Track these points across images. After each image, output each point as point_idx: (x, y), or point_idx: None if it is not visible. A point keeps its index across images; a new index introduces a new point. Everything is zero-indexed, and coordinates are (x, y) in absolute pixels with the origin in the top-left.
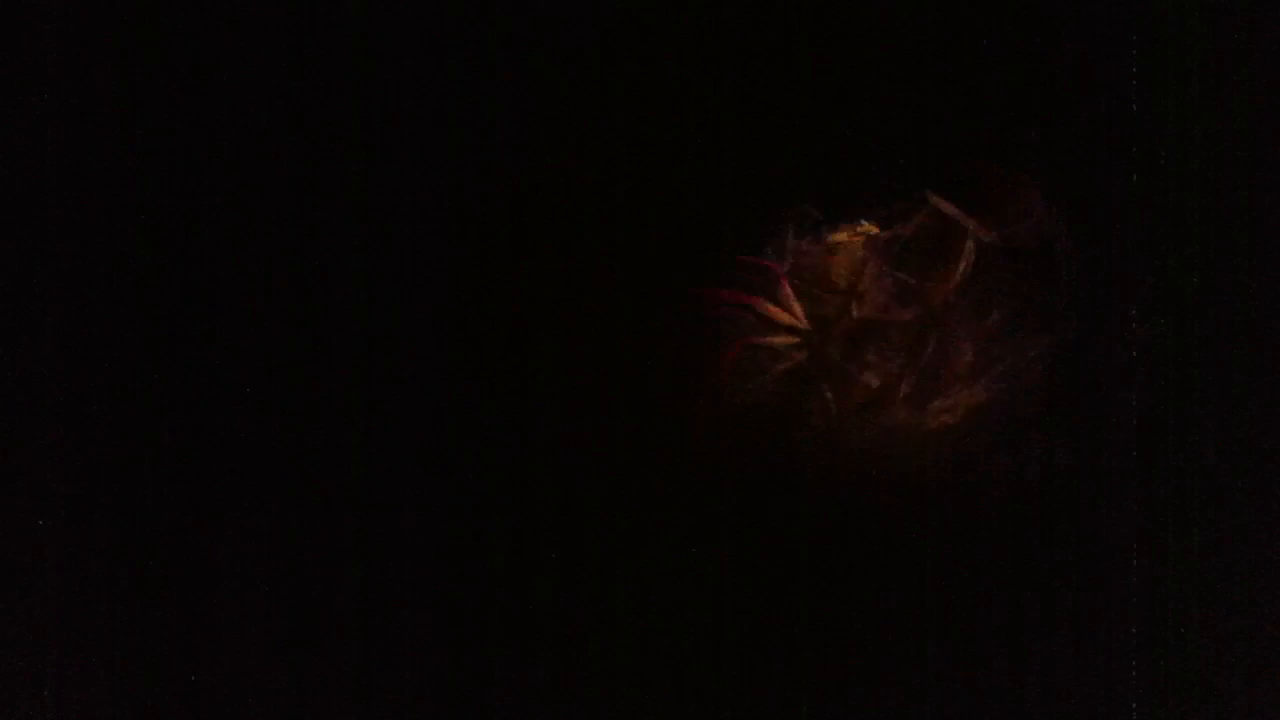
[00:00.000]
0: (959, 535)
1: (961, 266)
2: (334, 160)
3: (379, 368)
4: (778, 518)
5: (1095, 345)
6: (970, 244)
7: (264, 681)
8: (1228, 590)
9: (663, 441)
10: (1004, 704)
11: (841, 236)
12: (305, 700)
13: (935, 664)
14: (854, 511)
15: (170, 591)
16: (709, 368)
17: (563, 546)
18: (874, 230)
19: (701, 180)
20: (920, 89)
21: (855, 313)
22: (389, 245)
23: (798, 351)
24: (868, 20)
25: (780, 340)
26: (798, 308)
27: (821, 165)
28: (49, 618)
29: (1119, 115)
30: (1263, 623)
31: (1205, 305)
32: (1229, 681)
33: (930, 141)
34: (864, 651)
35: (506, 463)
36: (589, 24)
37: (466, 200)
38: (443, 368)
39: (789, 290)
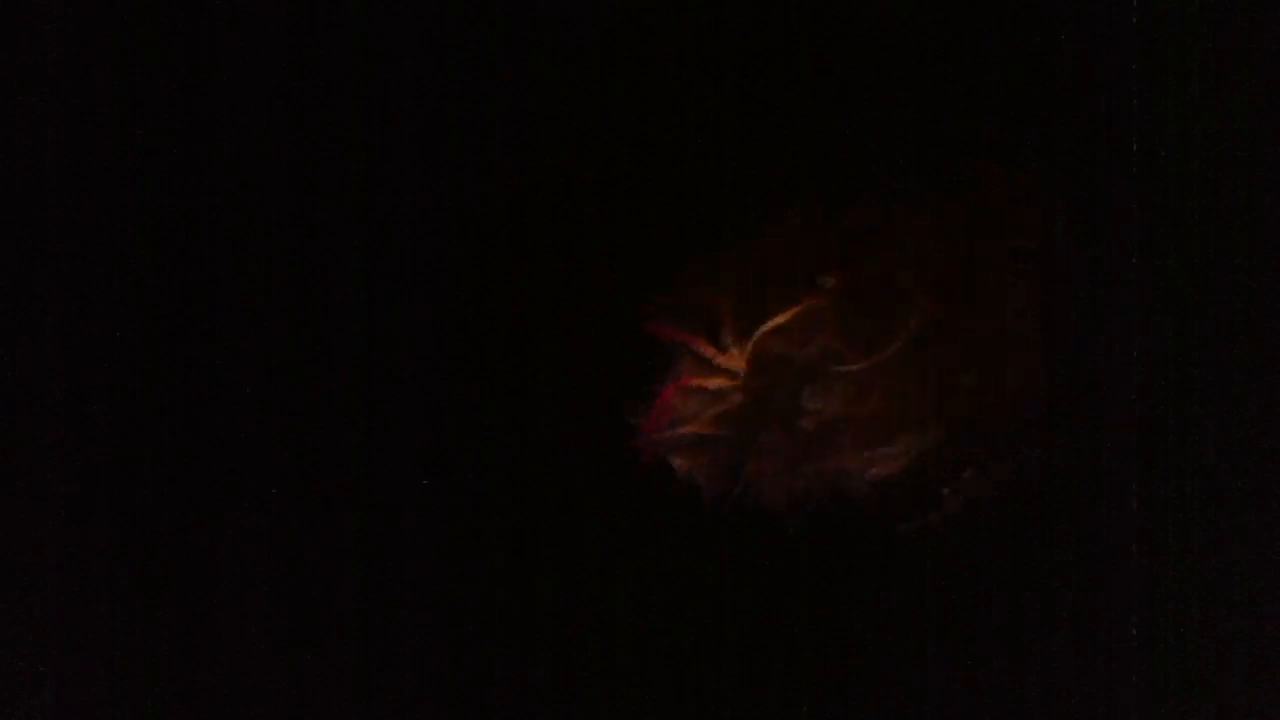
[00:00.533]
0: (959, 535)
1: (904, 332)
2: (334, 160)
3: (379, 368)
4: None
5: (1095, 345)
6: (917, 309)
7: (264, 681)
8: (1228, 590)
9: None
10: (1004, 704)
11: (799, 294)
12: (305, 700)
13: (935, 664)
14: (853, 512)
15: (170, 591)
16: (646, 404)
17: (563, 546)
18: (830, 283)
19: (702, 180)
20: (920, 89)
21: (800, 358)
22: (389, 245)
23: (733, 395)
24: (868, 20)
25: (715, 383)
26: (737, 350)
27: (821, 165)
28: (49, 618)
29: (1119, 115)
30: (1263, 623)
31: (1205, 305)
32: (1229, 681)
33: (930, 141)
34: (864, 651)
35: (506, 463)
36: (589, 24)
37: (466, 200)
38: (443, 368)
39: (730, 332)
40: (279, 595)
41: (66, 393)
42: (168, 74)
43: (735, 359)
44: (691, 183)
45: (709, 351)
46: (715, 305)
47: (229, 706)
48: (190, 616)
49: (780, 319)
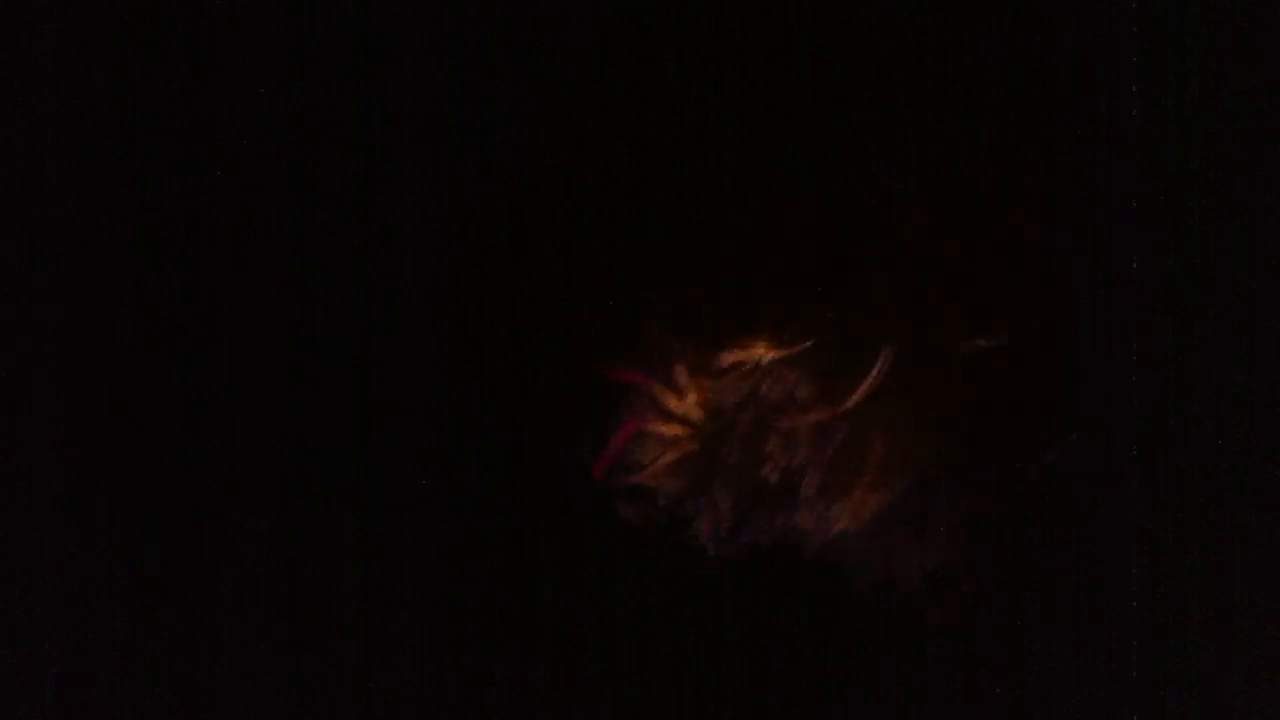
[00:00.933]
0: (958, 536)
1: (873, 374)
2: (334, 160)
3: (379, 368)
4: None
5: (1095, 345)
6: (885, 356)
7: (264, 681)
8: (1228, 590)
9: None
10: (1004, 704)
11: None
12: (305, 700)
13: (934, 664)
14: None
15: (170, 591)
16: (599, 448)
17: (563, 546)
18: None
19: (701, 180)
20: (920, 89)
21: (761, 405)
22: (389, 245)
23: (689, 443)
24: (868, 19)
25: (670, 430)
26: (693, 396)
27: (821, 165)
28: (49, 618)
29: (1119, 115)
30: (1263, 623)
31: (1205, 305)
32: (1229, 681)
33: (930, 141)
34: (864, 652)
35: (506, 463)
36: (589, 24)
37: (466, 200)
38: (443, 368)
39: (685, 376)
40: (279, 595)
41: (66, 393)
42: (168, 74)
43: (692, 405)
44: (689, 184)
45: (664, 396)
46: (673, 347)
47: (229, 706)
48: (190, 616)
49: (736, 357)
